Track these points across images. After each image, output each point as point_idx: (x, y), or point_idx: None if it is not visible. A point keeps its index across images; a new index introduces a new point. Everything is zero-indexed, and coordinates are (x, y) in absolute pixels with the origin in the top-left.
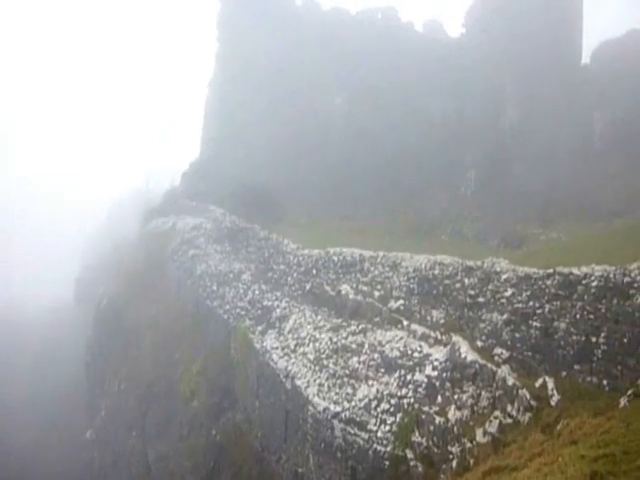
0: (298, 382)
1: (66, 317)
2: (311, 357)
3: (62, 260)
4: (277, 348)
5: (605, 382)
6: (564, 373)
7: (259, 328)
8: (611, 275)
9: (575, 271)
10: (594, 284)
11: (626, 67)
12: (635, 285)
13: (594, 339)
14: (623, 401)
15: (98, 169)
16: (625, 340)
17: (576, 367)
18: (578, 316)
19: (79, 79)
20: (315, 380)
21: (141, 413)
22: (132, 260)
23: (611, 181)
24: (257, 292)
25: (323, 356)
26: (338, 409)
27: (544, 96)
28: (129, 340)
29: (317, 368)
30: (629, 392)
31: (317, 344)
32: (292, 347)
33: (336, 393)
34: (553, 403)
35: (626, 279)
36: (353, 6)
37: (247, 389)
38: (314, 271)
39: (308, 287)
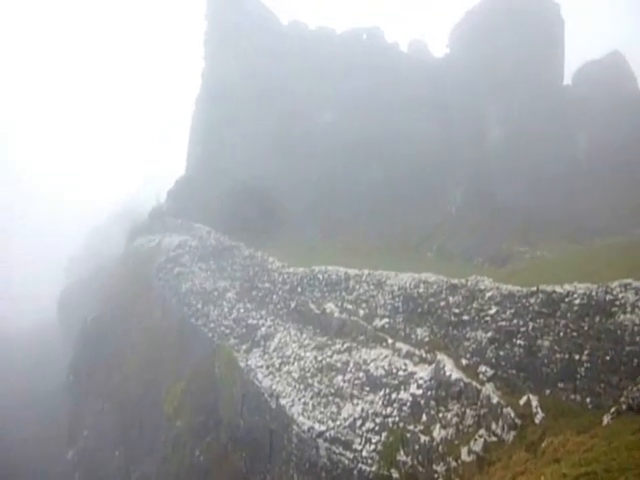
0: (283, 401)
1: (48, 334)
2: (296, 376)
3: (46, 277)
4: (262, 367)
5: (588, 400)
6: (548, 391)
7: (244, 347)
8: (593, 293)
9: (558, 289)
10: (577, 302)
11: (607, 88)
12: (617, 303)
13: (577, 357)
14: (606, 419)
15: (82, 184)
16: (608, 358)
17: (560, 385)
18: (561, 334)
19: (76, 83)
20: (300, 399)
21: (125, 433)
22: (117, 278)
23: (594, 200)
24: (242, 310)
25: (308, 375)
26: (323, 428)
27: (528, 116)
28: (113, 358)
29: (302, 387)
30: (612, 410)
31: (302, 363)
32: (277, 366)
33: (321, 412)
34: (537, 421)
35: (608, 297)
36: (339, 26)
37: (231, 408)
38: (299, 289)
39: (293, 305)
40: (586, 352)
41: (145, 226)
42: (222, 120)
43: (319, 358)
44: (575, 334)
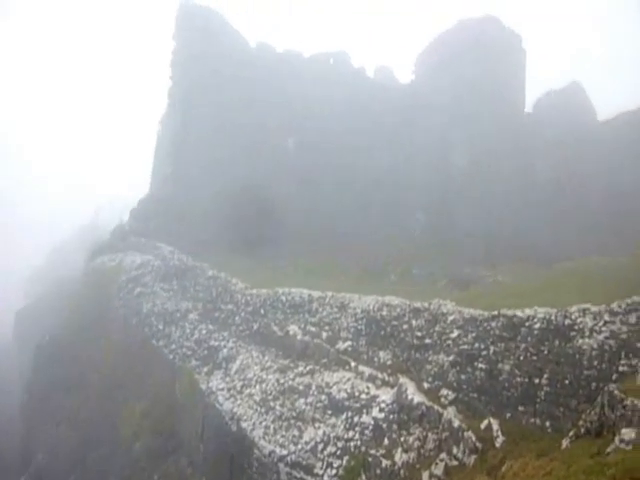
0: (244, 424)
1: (3, 355)
2: (257, 399)
3: (3, 296)
4: (223, 389)
5: (548, 423)
6: (509, 414)
7: (205, 369)
8: (553, 317)
9: (519, 313)
10: (537, 326)
11: (566, 117)
12: (575, 327)
13: (537, 380)
14: (565, 442)
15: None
16: (566, 381)
17: (520, 408)
18: (522, 357)
19: (37, 98)
20: (261, 422)
21: (81, 456)
22: (76, 297)
23: (554, 226)
24: (204, 332)
25: (270, 398)
26: (284, 452)
27: (490, 143)
28: (70, 380)
29: (263, 410)
30: (571, 433)
31: (264, 385)
32: (238, 388)
33: (282, 436)
34: (498, 445)
35: (567, 321)
36: (306, 49)
37: (192, 432)
38: (262, 311)
39: (256, 327)
40: (546, 376)
41: (107, 245)
42: (187, 141)
43: (281, 381)
44: (535, 358)
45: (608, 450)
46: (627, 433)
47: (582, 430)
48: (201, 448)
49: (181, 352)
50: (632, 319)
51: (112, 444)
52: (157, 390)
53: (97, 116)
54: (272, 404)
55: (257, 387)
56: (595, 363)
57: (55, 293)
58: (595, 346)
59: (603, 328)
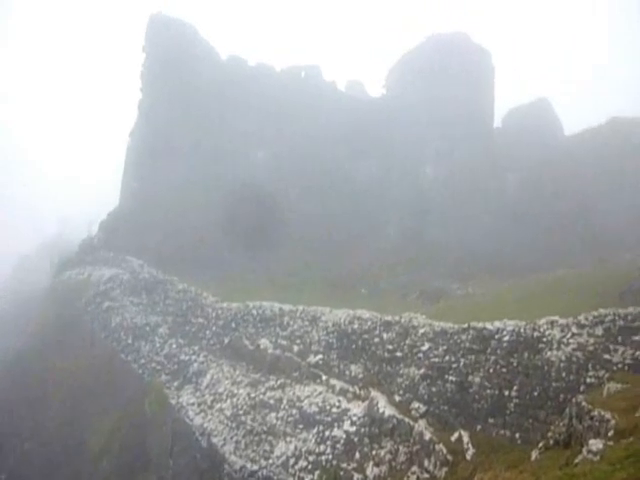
0: (214, 439)
1: None
2: (228, 413)
3: None
4: (193, 404)
5: (517, 435)
6: (479, 427)
7: (175, 383)
8: (522, 330)
9: (488, 326)
10: (506, 339)
11: (534, 132)
12: (544, 340)
13: (507, 392)
14: (534, 454)
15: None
16: (535, 393)
17: (490, 420)
18: (491, 370)
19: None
20: (232, 437)
21: (47, 474)
22: (43, 312)
23: (523, 239)
24: (174, 346)
25: (241, 412)
26: (255, 467)
27: (461, 156)
28: (36, 397)
29: (234, 425)
30: (540, 445)
31: (235, 400)
32: (209, 403)
33: (253, 450)
34: (468, 457)
35: (535, 334)
36: (278, 63)
37: (161, 448)
38: (233, 325)
39: (227, 341)
40: (515, 388)
41: (75, 259)
42: (157, 154)
43: (252, 395)
44: (505, 370)
45: (576, 461)
46: (595, 444)
47: (551, 441)
48: (171, 464)
49: (151, 367)
50: (599, 331)
51: (80, 461)
52: (126, 405)
53: (64, 126)
54: (243, 419)
55: (228, 402)
56: (563, 375)
57: (20, 308)
58: (563, 358)
59: (571, 340)
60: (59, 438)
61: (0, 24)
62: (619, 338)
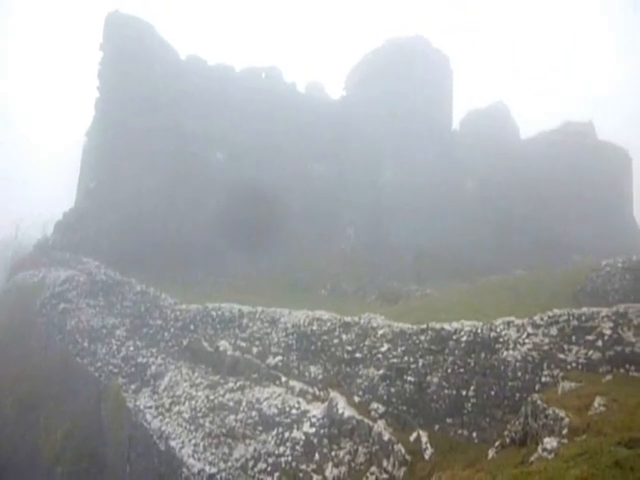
0: (172, 443)
1: None
2: (187, 416)
3: None
4: (151, 407)
5: (475, 434)
6: (437, 426)
7: (133, 386)
8: (479, 330)
9: (446, 327)
10: (464, 339)
11: (491, 135)
12: (500, 340)
13: (464, 392)
14: (491, 452)
15: None
16: (492, 393)
17: (448, 420)
18: (449, 370)
19: None
20: (190, 440)
21: None
22: None
23: (480, 241)
24: (132, 348)
25: (199, 415)
26: (214, 470)
27: (420, 158)
28: None
29: (193, 428)
30: (497, 443)
31: (193, 402)
32: (167, 406)
33: (212, 453)
34: (427, 457)
35: (492, 334)
36: (238, 63)
37: (118, 453)
38: (192, 326)
39: (185, 343)
40: (472, 387)
41: (29, 260)
42: (115, 153)
43: (211, 397)
44: (462, 370)
45: (532, 459)
46: (549, 442)
47: (507, 440)
48: (127, 469)
49: (107, 370)
50: (553, 331)
51: (32, 469)
52: (81, 410)
53: (20, 123)
54: (201, 421)
55: (186, 404)
56: (519, 374)
57: None
58: (519, 358)
59: (526, 340)
60: (10, 446)
61: None
62: (573, 338)
